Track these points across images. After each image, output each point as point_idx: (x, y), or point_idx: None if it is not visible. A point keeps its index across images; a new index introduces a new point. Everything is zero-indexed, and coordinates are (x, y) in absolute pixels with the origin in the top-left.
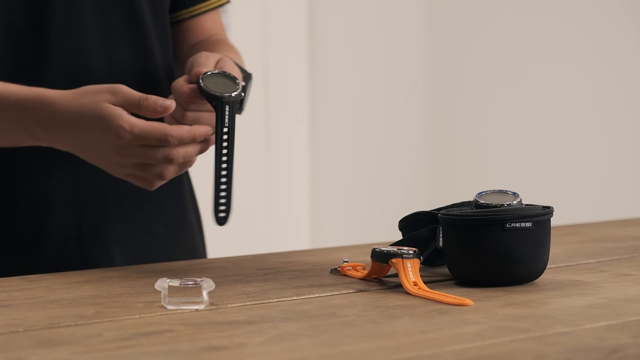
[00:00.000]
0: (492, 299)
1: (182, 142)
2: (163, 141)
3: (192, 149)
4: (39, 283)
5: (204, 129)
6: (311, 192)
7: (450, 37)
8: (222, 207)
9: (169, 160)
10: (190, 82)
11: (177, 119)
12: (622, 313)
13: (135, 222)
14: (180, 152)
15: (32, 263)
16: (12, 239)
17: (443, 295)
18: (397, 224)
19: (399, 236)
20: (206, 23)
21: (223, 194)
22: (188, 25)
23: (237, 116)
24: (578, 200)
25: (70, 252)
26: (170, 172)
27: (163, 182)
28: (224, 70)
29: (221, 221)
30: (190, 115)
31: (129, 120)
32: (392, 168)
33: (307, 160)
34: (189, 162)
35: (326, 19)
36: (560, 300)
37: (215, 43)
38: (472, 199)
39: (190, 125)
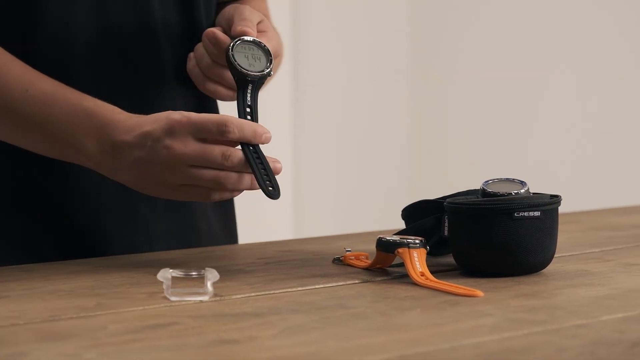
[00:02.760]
0: (501, 289)
1: (242, 133)
2: (222, 127)
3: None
4: (36, 273)
5: (263, 129)
6: (294, 182)
7: (437, 21)
8: (268, 182)
9: (226, 157)
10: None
11: (202, 68)
12: (638, 304)
13: (180, 219)
14: (236, 152)
15: (77, 258)
16: (62, 233)
17: (452, 286)
18: (400, 212)
19: (384, 226)
20: None
21: (262, 170)
22: None
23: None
24: (570, 188)
25: (116, 248)
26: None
27: (222, 194)
28: (265, 37)
29: (273, 194)
30: (217, 69)
31: (184, 112)
32: (376, 158)
33: (290, 148)
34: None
35: (310, 5)
36: (571, 290)
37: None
38: (477, 188)
39: (214, 78)
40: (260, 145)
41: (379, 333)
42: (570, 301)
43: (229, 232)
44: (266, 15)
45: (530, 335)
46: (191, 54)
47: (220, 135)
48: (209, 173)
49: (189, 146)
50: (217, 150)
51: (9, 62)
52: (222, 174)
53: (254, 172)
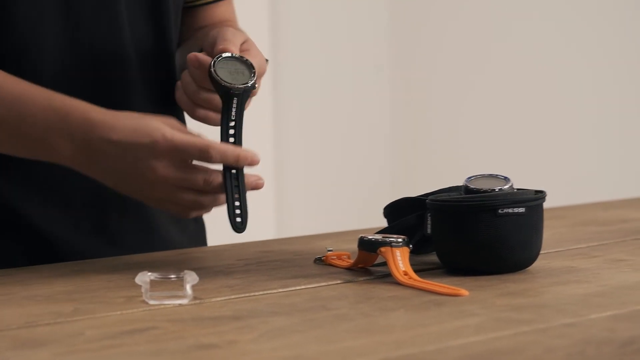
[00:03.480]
0: (486, 288)
1: (225, 158)
2: (204, 153)
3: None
4: (12, 277)
5: (250, 153)
6: (276, 180)
7: (418, 16)
8: (238, 212)
9: (208, 183)
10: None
11: (189, 95)
12: (627, 302)
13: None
14: (218, 177)
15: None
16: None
17: (436, 285)
18: (382, 210)
19: (367, 224)
20: (219, 9)
21: (237, 196)
22: (200, 10)
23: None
24: (554, 182)
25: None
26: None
27: (199, 212)
28: (250, 56)
29: (239, 228)
30: (204, 94)
31: (167, 130)
32: (358, 156)
33: (271, 146)
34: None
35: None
36: (558, 288)
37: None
38: (460, 184)
39: (202, 104)
40: None
41: (362, 335)
42: (557, 299)
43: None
44: (232, 19)
45: (518, 336)
46: (178, 83)
47: (201, 159)
48: (188, 196)
49: (172, 170)
50: (199, 177)
51: None
52: (201, 197)
53: (227, 202)
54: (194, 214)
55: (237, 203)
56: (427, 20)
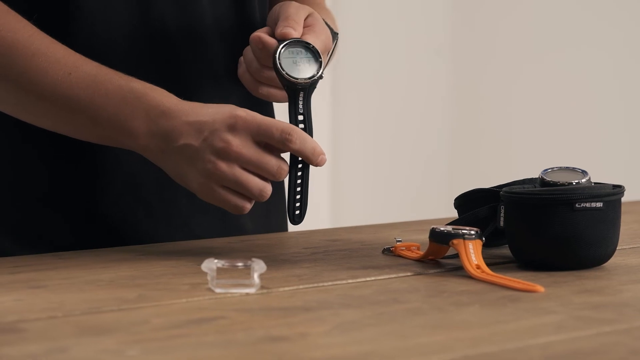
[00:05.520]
0: (562, 284)
1: (304, 146)
2: (285, 134)
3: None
4: (74, 261)
5: (322, 150)
6: (332, 169)
7: (478, 4)
8: (297, 204)
9: (281, 171)
10: (272, 36)
11: (252, 73)
12: None
13: (224, 216)
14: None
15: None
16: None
17: (510, 280)
18: (453, 202)
19: (420, 214)
20: None
21: (298, 188)
22: None
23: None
24: (625, 175)
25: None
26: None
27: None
28: (313, 32)
29: (296, 221)
30: (267, 72)
31: (249, 111)
32: (412, 146)
33: (327, 133)
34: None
35: None
36: (637, 287)
37: (310, 3)
38: (536, 176)
39: (265, 82)
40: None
41: (437, 331)
42: (637, 298)
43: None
44: None
45: (600, 336)
46: (241, 59)
47: (281, 143)
48: (256, 181)
49: (248, 148)
50: (274, 161)
51: (50, 45)
52: (268, 186)
53: (288, 194)
54: (248, 207)
55: (298, 196)
56: (489, 5)
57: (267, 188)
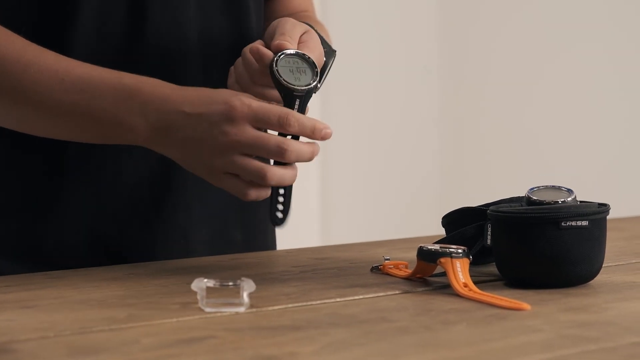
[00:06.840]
0: (548, 302)
1: (303, 127)
2: (283, 119)
3: (306, 147)
4: (64, 280)
5: (324, 125)
6: (322, 184)
7: (468, 20)
8: (280, 207)
9: (282, 151)
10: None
11: (242, 86)
12: None
13: (215, 229)
14: (293, 145)
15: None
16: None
17: (497, 299)
18: (440, 220)
19: (409, 231)
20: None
21: (281, 191)
22: (275, 1)
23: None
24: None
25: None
26: (275, 175)
27: (259, 193)
28: (307, 48)
29: (278, 222)
30: (256, 89)
31: (244, 97)
32: (402, 164)
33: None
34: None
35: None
36: (622, 305)
37: (302, 18)
38: (522, 195)
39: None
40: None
41: (426, 350)
42: (622, 316)
43: (265, 242)
44: (309, 9)
45: (586, 354)
46: (231, 69)
47: (279, 127)
48: (254, 163)
49: (246, 133)
50: (272, 140)
51: (40, 55)
52: (267, 167)
53: (271, 194)
54: (253, 194)
55: (280, 199)
56: (477, 21)
57: (267, 169)
